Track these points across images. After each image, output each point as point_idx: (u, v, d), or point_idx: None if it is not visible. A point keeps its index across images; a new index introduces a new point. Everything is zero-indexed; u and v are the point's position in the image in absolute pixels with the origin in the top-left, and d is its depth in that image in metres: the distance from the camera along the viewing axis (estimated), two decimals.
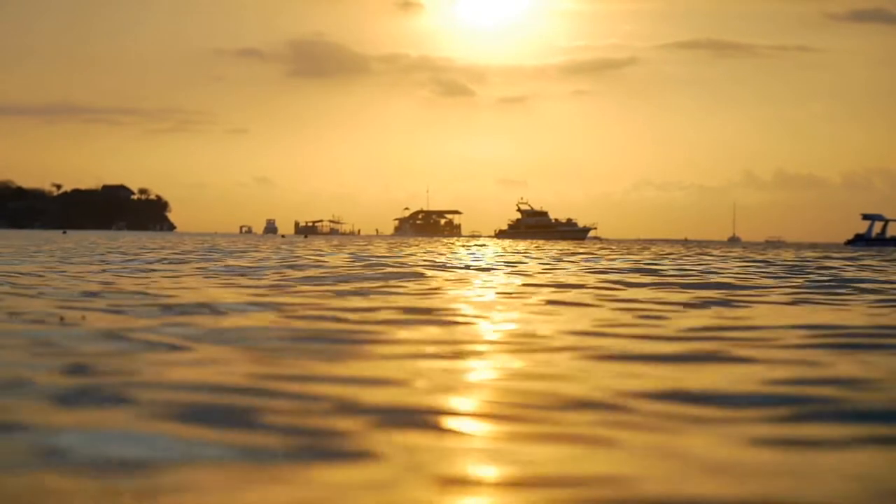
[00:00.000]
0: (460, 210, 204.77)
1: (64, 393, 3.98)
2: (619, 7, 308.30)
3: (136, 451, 3.03)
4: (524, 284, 13.55)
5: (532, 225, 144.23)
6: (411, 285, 12.63)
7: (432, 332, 6.81)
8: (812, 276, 17.74)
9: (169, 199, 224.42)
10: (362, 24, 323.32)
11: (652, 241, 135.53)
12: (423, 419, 3.59)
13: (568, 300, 10.28)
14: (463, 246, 38.28)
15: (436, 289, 12.03)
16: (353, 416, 3.61)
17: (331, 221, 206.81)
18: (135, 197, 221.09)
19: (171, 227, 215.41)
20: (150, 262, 19.53)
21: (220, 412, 3.65)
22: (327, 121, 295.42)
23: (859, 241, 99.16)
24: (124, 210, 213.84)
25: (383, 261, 22.51)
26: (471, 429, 3.49)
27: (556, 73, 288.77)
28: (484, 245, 58.62)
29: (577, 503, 2.60)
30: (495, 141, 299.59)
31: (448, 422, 3.57)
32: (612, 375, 4.76)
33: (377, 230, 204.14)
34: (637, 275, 17.33)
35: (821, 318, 8.53)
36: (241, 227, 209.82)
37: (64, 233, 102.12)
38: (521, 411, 3.78)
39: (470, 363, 5.21)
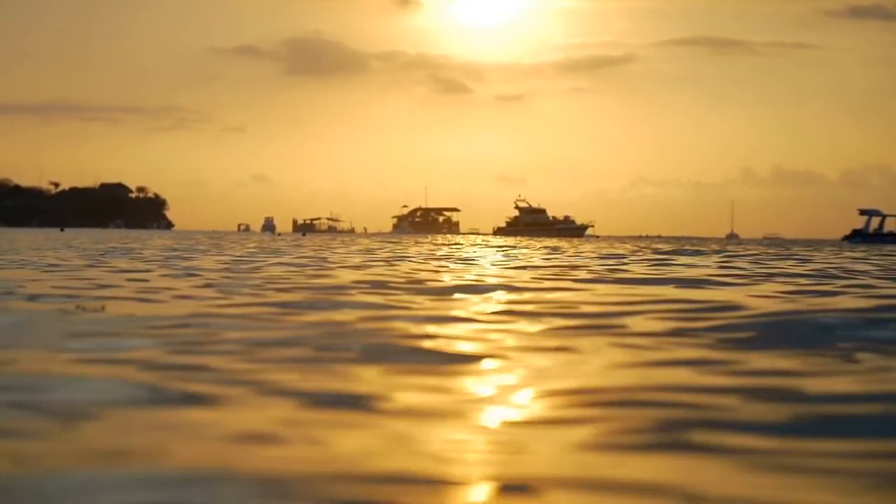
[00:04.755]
0: (459, 207, 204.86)
1: None
2: (616, 4, 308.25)
3: None
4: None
5: (530, 222, 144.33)
6: None
7: None
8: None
9: (167, 197, 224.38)
10: (360, 21, 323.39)
11: (646, 238, 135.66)
12: None
13: None
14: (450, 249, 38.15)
15: None
16: None
17: (329, 219, 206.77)
18: (133, 195, 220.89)
19: (170, 226, 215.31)
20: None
21: None
22: (325, 119, 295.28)
23: (857, 236, 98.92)
24: (122, 208, 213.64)
25: None
26: None
27: (553, 70, 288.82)
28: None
29: None
30: (493, 138, 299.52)
31: None
32: None
33: (365, 228, 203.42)
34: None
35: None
36: (238, 225, 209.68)
37: (62, 230, 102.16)
38: None
39: None
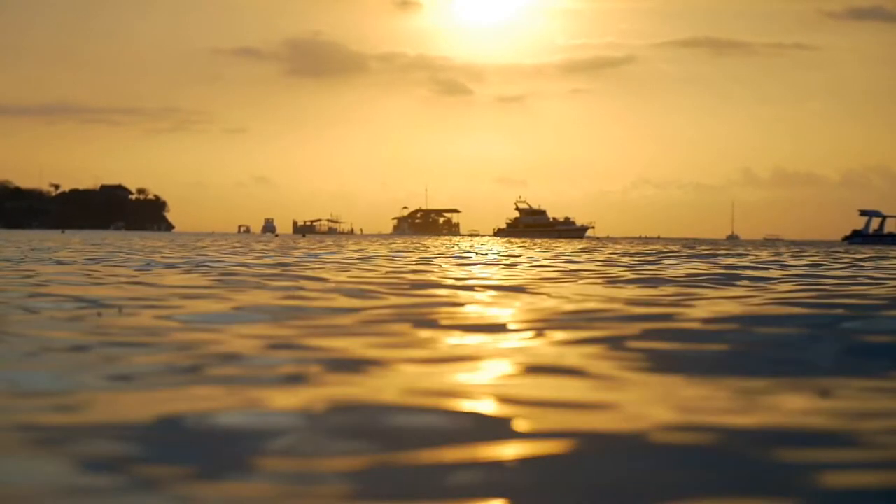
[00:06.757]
0: (459, 209, 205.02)
1: None
2: (617, 5, 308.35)
3: None
4: None
5: (530, 224, 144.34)
6: None
7: None
8: None
9: (167, 198, 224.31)
10: (360, 22, 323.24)
11: (647, 240, 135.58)
12: None
13: None
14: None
15: None
16: None
17: (329, 220, 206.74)
18: (133, 197, 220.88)
19: (170, 227, 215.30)
20: None
21: None
22: (325, 120, 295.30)
23: (857, 237, 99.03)
24: (123, 210, 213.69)
25: None
26: None
27: (554, 71, 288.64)
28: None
29: None
30: (493, 140, 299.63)
31: None
32: None
33: (361, 229, 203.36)
34: None
35: None
36: (239, 227, 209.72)
37: (62, 232, 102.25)
38: None
39: None
